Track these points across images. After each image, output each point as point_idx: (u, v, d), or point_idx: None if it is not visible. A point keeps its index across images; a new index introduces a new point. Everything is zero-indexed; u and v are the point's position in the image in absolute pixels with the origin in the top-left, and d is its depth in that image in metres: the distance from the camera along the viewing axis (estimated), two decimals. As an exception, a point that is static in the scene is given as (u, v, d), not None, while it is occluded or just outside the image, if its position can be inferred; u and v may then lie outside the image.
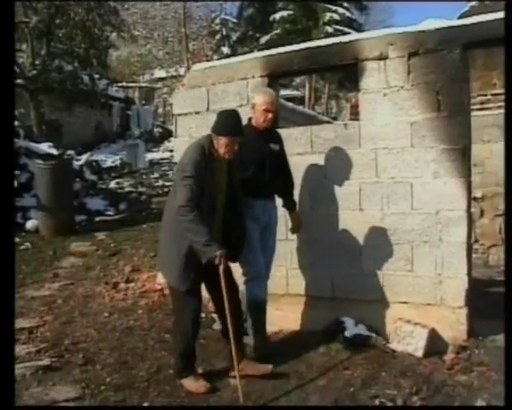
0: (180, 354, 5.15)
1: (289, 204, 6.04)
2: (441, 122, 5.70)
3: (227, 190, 5.16)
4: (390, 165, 5.94)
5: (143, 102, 39.32)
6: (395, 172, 5.91)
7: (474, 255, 11.13)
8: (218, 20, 41.90)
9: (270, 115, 5.61)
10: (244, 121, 5.95)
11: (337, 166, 6.18)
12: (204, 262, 4.79)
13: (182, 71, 38.19)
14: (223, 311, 4.96)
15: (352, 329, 5.91)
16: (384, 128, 5.95)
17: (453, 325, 5.66)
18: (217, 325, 6.61)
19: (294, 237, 6.39)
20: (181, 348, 5.14)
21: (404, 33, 6.08)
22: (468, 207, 5.72)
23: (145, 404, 4.81)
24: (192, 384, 5.02)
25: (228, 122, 5.07)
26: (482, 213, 12.77)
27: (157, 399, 4.88)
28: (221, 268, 4.75)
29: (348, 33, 24.89)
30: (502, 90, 21.61)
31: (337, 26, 29.94)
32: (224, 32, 40.34)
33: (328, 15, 30.61)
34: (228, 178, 5.18)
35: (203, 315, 6.83)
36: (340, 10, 31.30)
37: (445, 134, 5.68)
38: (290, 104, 10.84)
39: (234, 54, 29.73)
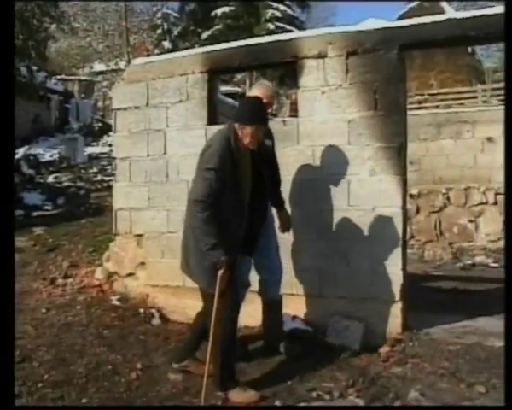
0: (222, 362, 4.80)
1: (278, 202, 5.76)
2: (378, 121, 5.83)
3: (252, 181, 4.96)
4: (327, 162, 6.04)
5: (83, 95, 38.67)
6: (332, 169, 6.01)
7: (409, 251, 11.41)
8: (159, 14, 41.52)
9: (268, 109, 5.53)
10: (186, 116, 5.98)
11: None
12: (206, 263, 4.62)
13: (122, 65, 37.79)
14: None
15: (289, 323, 5.96)
16: (322, 125, 6.04)
17: (388, 318, 5.79)
18: (155, 320, 6.61)
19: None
20: (222, 355, 4.79)
21: (343, 33, 6.18)
22: (404, 204, 5.85)
23: (84, 401, 4.77)
24: (241, 396, 4.76)
25: (253, 110, 4.87)
26: (418, 210, 13.07)
27: (96, 395, 4.85)
28: (220, 273, 4.55)
29: (290, 31, 25.08)
30: (438, 90, 22.19)
31: (279, 23, 30.05)
32: (166, 27, 39.98)
33: (269, 12, 30.70)
34: (253, 167, 4.99)
35: (141, 310, 6.83)
36: (282, 7, 31.42)
37: (381, 132, 5.81)
38: (230, 100, 10.87)
39: (175, 48, 29.53)
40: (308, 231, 6.12)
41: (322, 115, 6.08)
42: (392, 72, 5.88)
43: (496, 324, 6.26)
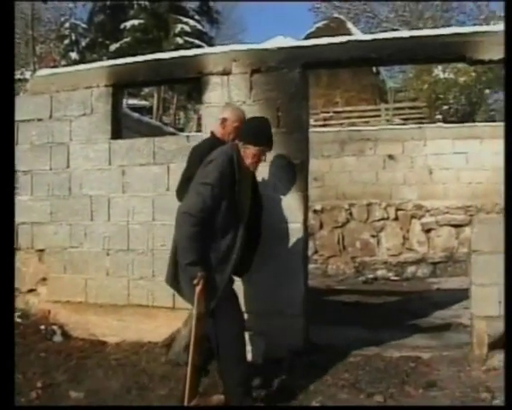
0: (240, 378, 4.61)
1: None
2: (280, 138, 5.87)
3: (250, 202, 4.81)
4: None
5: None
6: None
7: (313, 266, 11.64)
8: (67, 25, 40.63)
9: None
10: (89, 130, 5.90)
11: (179, 177, 6.23)
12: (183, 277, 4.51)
13: (28, 74, 36.85)
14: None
15: (192, 339, 5.97)
16: (225, 142, 6.09)
17: (291, 332, 5.85)
18: (57, 337, 6.49)
19: (136, 247, 6.42)
20: (237, 371, 4.61)
21: (247, 50, 6.27)
22: (305, 219, 5.96)
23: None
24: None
25: (259, 131, 4.72)
26: (321, 226, 13.29)
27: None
28: (198, 289, 4.38)
29: (199, 46, 25.09)
30: (343, 108, 22.67)
31: (188, 38, 30.02)
32: (73, 37, 39.22)
33: (179, 27, 30.61)
34: (252, 189, 4.87)
35: (43, 327, 6.69)
36: (192, 23, 31.38)
37: (283, 149, 5.89)
38: (136, 114, 10.78)
39: (83, 60, 29.05)
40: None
41: (226, 132, 6.11)
42: (294, 90, 5.99)
43: (395, 335, 6.48)
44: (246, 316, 5.94)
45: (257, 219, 5.02)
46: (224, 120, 5.31)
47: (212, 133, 5.48)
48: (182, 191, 5.13)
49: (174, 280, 4.70)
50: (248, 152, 4.64)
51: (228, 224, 4.54)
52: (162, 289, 6.25)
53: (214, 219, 4.47)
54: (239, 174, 4.56)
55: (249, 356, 5.69)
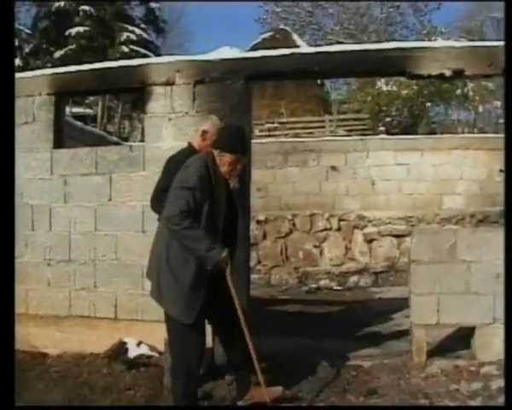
0: (184, 395, 4.58)
1: None
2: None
3: (225, 212, 4.67)
4: (174, 188, 6.08)
5: None
6: (178, 195, 6.06)
7: (256, 276, 11.68)
8: (9, 31, 40.14)
9: None
10: (31, 139, 5.83)
11: (121, 187, 6.24)
12: (209, 268, 4.39)
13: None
14: (228, 338, 4.78)
15: (134, 349, 5.95)
16: (168, 152, 6.04)
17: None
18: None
19: (77, 257, 6.36)
20: (184, 388, 4.58)
21: (191, 61, 6.31)
22: (247, 229, 5.99)
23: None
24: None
25: (234, 139, 4.68)
26: (265, 236, 13.32)
27: None
28: (228, 270, 4.45)
29: (145, 54, 25.04)
30: (288, 119, 22.81)
31: (134, 47, 29.86)
32: (17, 43, 38.73)
33: (124, 35, 30.44)
34: (227, 198, 4.73)
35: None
36: (138, 31, 31.24)
37: (226, 160, 5.90)
38: (79, 123, 10.70)
39: (26, 66, 28.62)
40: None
41: (169, 142, 6.14)
42: (237, 101, 6.04)
43: (337, 344, 6.54)
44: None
45: (232, 228, 4.93)
46: (204, 133, 5.27)
47: (189, 144, 5.45)
48: (156, 201, 5.16)
49: (156, 291, 4.60)
50: (224, 160, 4.61)
51: (207, 230, 4.45)
52: (104, 299, 6.27)
53: (197, 225, 4.41)
54: (215, 180, 4.56)
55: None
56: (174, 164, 5.10)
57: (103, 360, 5.99)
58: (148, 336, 6.05)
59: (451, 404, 4.91)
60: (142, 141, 6.22)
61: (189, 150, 5.28)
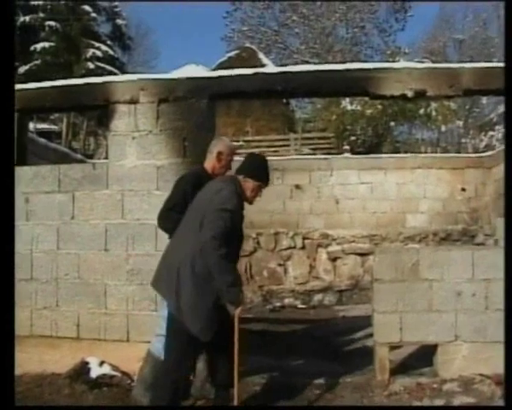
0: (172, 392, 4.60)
1: None
2: (186, 167, 5.95)
3: (240, 233, 4.84)
4: (136, 207, 6.10)
5: None
6: (140, 214, 6.08)
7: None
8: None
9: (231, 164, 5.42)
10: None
11: (84, 206, 6.20)
12: (223, 302, 4.47)
13: None
14: (216, 360, 4.83)
15: (96, 369, 5.88)
16: (131, 170, 6.09)
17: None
18: None
19: (39, 276, 6.30)
20: (169, 395, 4.59)
21: (155, 80, 6.31)
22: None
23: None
24: None
25: (259, 166, 4.86)
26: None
27: None
28: (238, 311, 4.49)
29: (111, 71, 24.97)
30: (253, 137, 22.87)
31: (99, 63, 29.77)
32: (-20, 59, 38.32)
33: (90, 51, 30.33)
34: (242, 221, 4.86)
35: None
36: (104, 48, 31.17)
37: (189, 179, 5.91)
38: (43, 140, 10.59)
39: (-11, 83, 28.33)
40: (116, 276, 6.10)
41: (132, 160, 6.14)
42: (201, 120, 6.07)
43: (301, 363, 6.55)
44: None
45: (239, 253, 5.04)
46: (219, 154, 5.29)
47: (201, 165, 5.43)
48: (164, 219, 5.20)
49: (176, 308, 4.56)
50: (247, 185, 4.75)
51: (233, 250, 4.59)
52: (66, 319, 6.21)
53: (232, 245, 4.54)
54: (241, 203, 4.72)
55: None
56: (185, 184, 5.17)
57: (65, 381, 5.90)
58: (110, 355, 6.00)
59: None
60: (107, 158, 6.19)
61: (200, 171, 5.31)
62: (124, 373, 5.92)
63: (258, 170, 4.85)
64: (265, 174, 4.89)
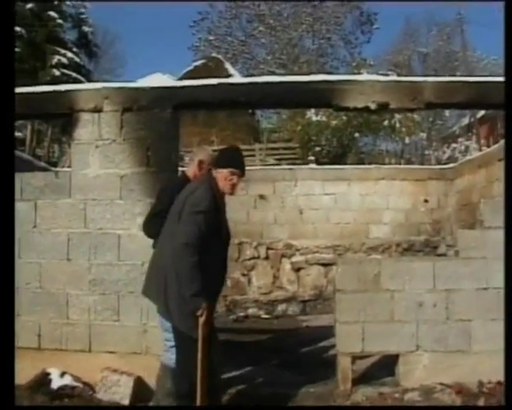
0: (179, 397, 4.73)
1: None
2: (149, 177, 5.98)
3: (224, 231, 4.89)
4: (99, 216, 6.07)
5: None
6: (103, 224, 6.05)
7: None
8: None
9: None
10: None
11: (46, 214, 6.15)
12: (185, 309, 4.46)
13: None
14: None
15: (57, 380, 5.82)
16: (94, 179, 6.06)
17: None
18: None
19: (-1, 286, 6.21)
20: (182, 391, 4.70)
21: (119, 89, 6.29)
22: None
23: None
24: None
25: (227, 155, 4.96)
26: (194, 264, 13.22)
27: None
28: (202, 320, 4.43)
29: (76, 78, 24.79)
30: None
31: (65, 70, 29.52)
32: None
33: (56, 58, 30.05)
34: (225, 217, 4.94)
35: None
36: (70, 55, 30.92)
37: (152, 188, 5.93)
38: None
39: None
40: (79, 286, 6.06)
41: (95, 169, 6.11)
42: (165, 130, 6.08)
43: (265, 373, 6.56)
44: (113, 356, 5.92)
45: (226, 252, 5.07)
46: (201, 162, 5.38)
47: (183, 173, 5.56)
48: (149, 225, 5.28)
49: (165, 309, 4.67)
50: (220, 175, 4.82)
51: (215, 250, 4.66)
52: (27, 329, 6.14)
53: (205, 245, 4.53)
54: (219, 200, 4.77)
55: (116, 397, 5.65)
56: (167, 191, 5.26)
57: (25, 392, 5.83)
58: (72, 366, 5.95)
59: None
60: (70, 166, 6.18)
61: (182, 179, 5.41)
62: (85, 384, 5.87)
63: (227, 157, 4.94)
64: (235, 160, 4.93)
